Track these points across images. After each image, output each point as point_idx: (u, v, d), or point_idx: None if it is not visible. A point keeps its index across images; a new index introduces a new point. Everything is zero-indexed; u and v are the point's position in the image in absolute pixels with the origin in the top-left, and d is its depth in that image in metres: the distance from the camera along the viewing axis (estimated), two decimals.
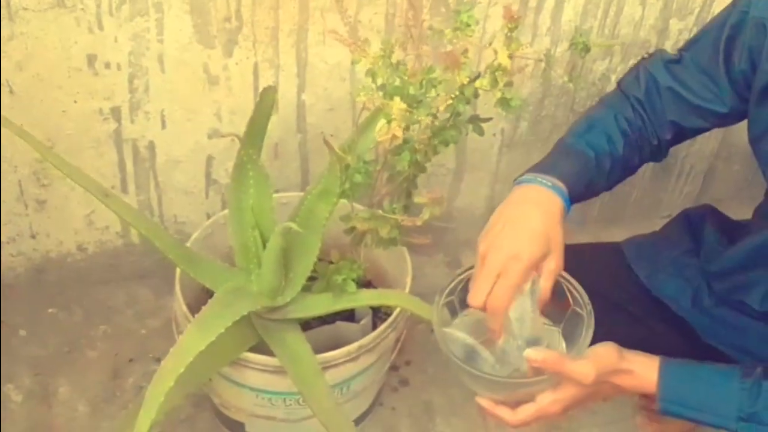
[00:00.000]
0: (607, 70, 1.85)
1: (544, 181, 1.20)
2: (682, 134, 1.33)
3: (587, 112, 1.37)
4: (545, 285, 1.14)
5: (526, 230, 1.14)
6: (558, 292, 1.18)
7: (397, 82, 1.21)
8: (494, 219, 1.18)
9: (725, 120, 1.28)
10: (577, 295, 1.16)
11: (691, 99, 1.27)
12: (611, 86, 1.85)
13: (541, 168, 1.24)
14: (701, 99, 1.26)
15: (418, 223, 1.29)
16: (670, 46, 1.83)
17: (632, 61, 1.84)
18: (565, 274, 1.17)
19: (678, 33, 1.82)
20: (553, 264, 1.15)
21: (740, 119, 1.28)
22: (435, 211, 1.27)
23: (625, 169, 1.32)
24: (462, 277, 1.19)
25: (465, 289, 1.18)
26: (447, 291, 1.19)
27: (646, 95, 1.31)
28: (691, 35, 1.81)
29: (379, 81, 1.21)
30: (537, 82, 1.82)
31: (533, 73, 1.80)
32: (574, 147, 1.28)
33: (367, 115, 1.45)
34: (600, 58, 1.82)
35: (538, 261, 1.13)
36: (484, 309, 1.12)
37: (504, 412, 1.12)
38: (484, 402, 1.13)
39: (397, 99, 1.18)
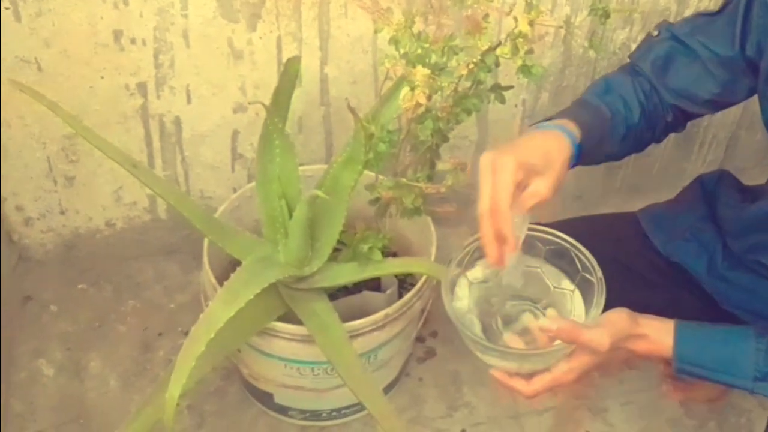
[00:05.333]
0: (627, 39, 1.84)
1: (556, 126, 1.18)
2: (693, 99, 1.31)
3: (605, 76, 1.37)
4: (525, 201, 1.10)
5: (524, 141, 1.13)
6: (565, 259, 1.17)
7: (420, 50, 1.22)
8: None
9: (734, 81, 1.27)
10: (586, 261, 1.15)
11: (701, 53, 1.27)
12: None
13: (557, 116, 1.23)
14: (710, 52, 1.26)
15: (443, 189, 1.29)
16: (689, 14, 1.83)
17: None
18: (572, 240, 1.16)
19: (698, 0, 1.82)
20: (542, 186, 1.10)
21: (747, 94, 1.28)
22: (459, 177, 1.27)
23: (637, 141, 1.32)
24: (469, 248, 1.17)
25: (472, 261, 1.18)
26: (455, 262, 1.17)
27: (654, 61, 1.31)
28: (711, 4, 1.82)
29: (402, 49, 1.22)
30: (558, 52, 1.82)
31: (554, 44, 1.80)
32: (592, 102, 1.28)
33: (390, 85, 1.46)
34: (620, 27, 1.82)
35: (530, 167, 1.09)
36: (494, 218, 1.07)
37: (518, 383, 1.12)
38: (498, 374, 1.12)
39: (419, 66, 1.18)
